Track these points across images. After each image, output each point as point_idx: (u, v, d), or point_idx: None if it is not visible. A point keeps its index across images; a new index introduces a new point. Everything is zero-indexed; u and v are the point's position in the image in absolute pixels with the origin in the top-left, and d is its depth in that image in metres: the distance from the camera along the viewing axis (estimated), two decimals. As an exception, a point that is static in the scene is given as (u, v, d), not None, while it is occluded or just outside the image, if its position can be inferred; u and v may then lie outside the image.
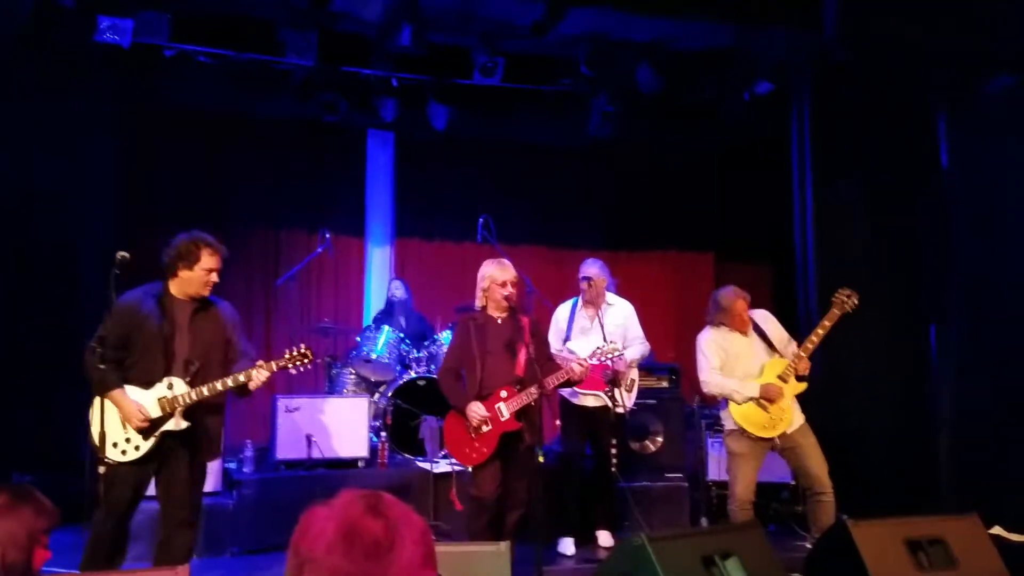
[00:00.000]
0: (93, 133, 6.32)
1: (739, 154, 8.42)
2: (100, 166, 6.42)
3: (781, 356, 4.92)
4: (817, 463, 4.77)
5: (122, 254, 3.77)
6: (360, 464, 5.88)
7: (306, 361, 4.06)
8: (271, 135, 7.78)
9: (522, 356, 4.52)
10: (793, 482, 5.50)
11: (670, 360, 6.79)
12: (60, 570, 4.01)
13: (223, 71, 6.67)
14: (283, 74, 6.77)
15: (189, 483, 3.97)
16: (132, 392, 3.85)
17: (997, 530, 4.87)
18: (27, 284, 5.78)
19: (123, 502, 3.83)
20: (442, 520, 5.52)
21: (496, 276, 4.58)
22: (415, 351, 6.66)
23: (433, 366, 6.35)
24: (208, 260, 3.96)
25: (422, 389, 6.24)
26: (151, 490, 4.02)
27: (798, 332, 5.02)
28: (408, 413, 6.19)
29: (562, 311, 5.56)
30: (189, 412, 3.91)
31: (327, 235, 7.09)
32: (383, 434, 6.08)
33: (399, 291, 7.26)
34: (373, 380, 6.67)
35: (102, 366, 3.71)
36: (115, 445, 3.82)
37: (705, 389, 5.01)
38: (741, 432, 4.82)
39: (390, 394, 6.30)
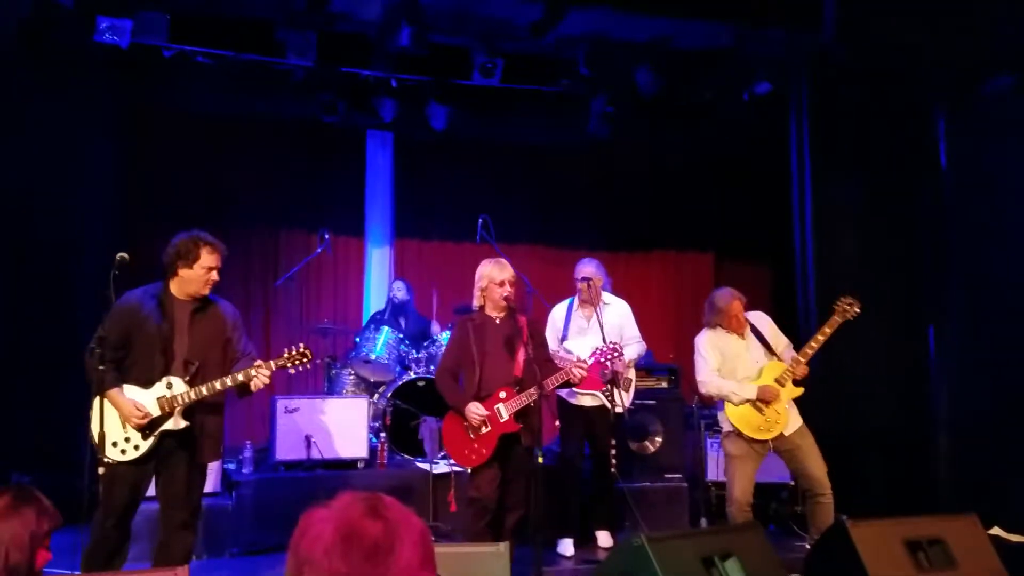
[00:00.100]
0: (93, 133, 6.33)
1: (738, 155, 8.42)
2: (100, 166, 6.43)
3: (778, 358, 4.92)
4: (816, 464, 4.77)
5: (121, 255, 3.78)
6: (359, 465, 5.88)
7: (305, 361, 4.06)
8: (270, 135, 7.79)
9: (521, 356, 4.51)
10: (792, 483, 5.51)
11: (669, 361, 6.78)
12: (60, 571, 4.01)
13: (222, 71, 6.67)
14: (282, 75, 6.77)
15: (188, 483, 3.97)
16: (131, 392, 3.85)
17: (996, 530, 4.88)
18: (27, 284, 5.77)
19: (122, 502, 3.84)
20: (441, 521, 5.52)
21: (494, 276, 4.56)
22: (414, 352, 6.67)
23: (432, 367, 6.35)
24: (208, 258, 3.96)
25: (421, 390, 6.25)
26: (151, 491, 4.02)
27: (797, 331, 5.03)
28: (407, 414, 6.19)
29: (559, 311, 5.56)
30: (188, 412, 3.91)
31: (326, 235, 7.10)
32: (382, 435, 6.08)
33: (401, 292, 7.26)
34: (372, 381, 6.68)
35: (101, 367, 3.72)
36: (115, 444, 3.83)
37: (702, 390, 5.00)
38: (738, 434, 4.83)
39: (389, 395, 6.30)
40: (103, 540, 3.83)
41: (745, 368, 4.90)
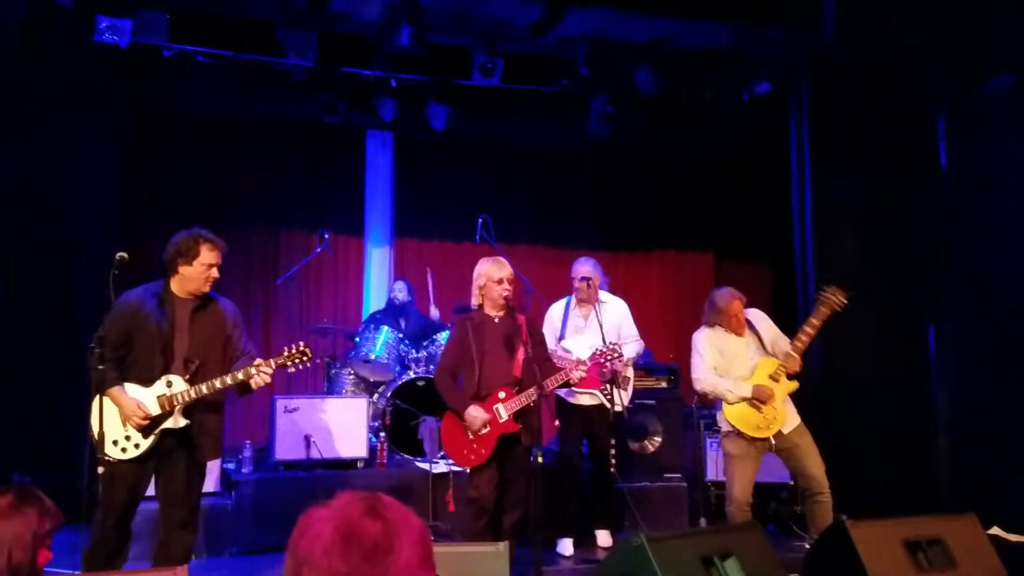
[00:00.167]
0: (93, 133, 6.33)
1: (738, 155, 8.42)
2: (100, 166, 6.43)
3: (773, 356, 4.92)
4: (814, 463, 4.77)
5: (121, 255, 3.78)
6: (359, 465, 5.88)
7: (305, 359, 4.06)
8: (270, 135, 7.79)
9: (520, 356, 4.50)
10: (792, 482, 5.51)
11: (669, 360, 6.79)
12: (60, 570, 4.02)
13: (222, 71, 6.67)
14: (282, 74, 6.77)
15: (187, 482, 3.97)
16: (132, 390, 3.85)
17: (995, 530, 4.87)
18: (27, 284, 5.77)
19: (122, 501, 3.84)
20: (441, 521, 5.52)
21: (492, 274, 4.55)
22: (414, 351, 6.67)
23: (432, 366, 6.35)
24: (207, 255, 3.96)
25: (421, 389, 6.25)
26: (151, 490, 4.03)
27: (797, 331, 5.01)
28: (407, 413, 6.19)
29: (556, 310, 5.56)
30: (188, 410, 3.92)
31: (326, 235, 7.10)
32: (382, 434, 6.08)
33: (402, 293, 7.24)
34: (372, 380, 6.68)
35: (101, 366, 3.72)
36: (115, 443, 3.83)
37: (697, 387, 4.99)
38: (737, 434, 4.82)
39: (389, 394, 6.30)
40: (103, 540, 3.83)
41: (742, 367, 4.90)
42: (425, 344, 6.74)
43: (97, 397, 3.76)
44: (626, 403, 5.41)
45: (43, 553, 2.43)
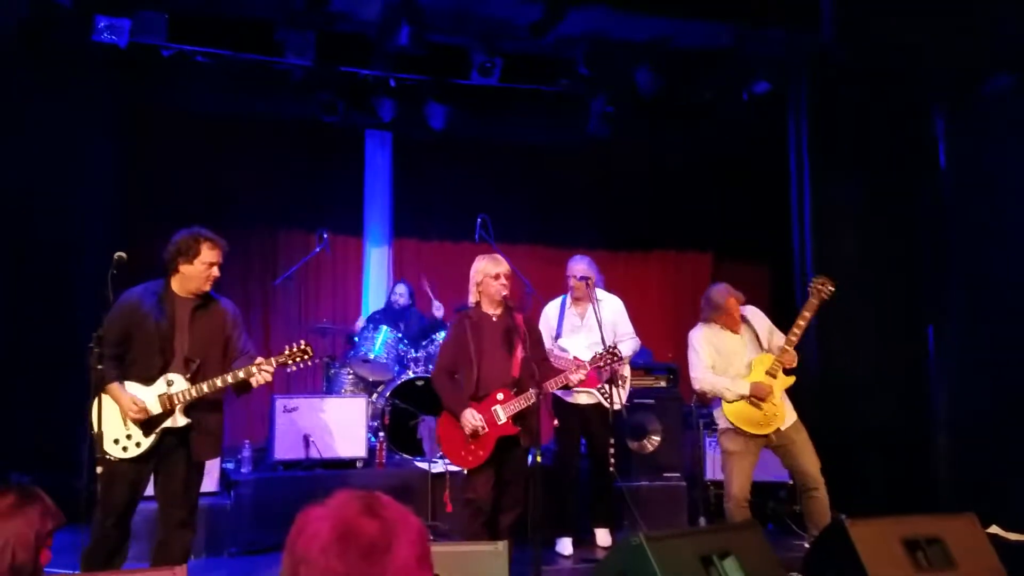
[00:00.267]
0: (93, 133, 6.32)
1: (738, 155, 8.41)
2: (99, 166, 6.42)
3: (768, 352, 4.92)
4: (810, 459, 4.78)
5: (119, 254, 3.78)
6: (358, 464, 5.88)
7: (306, 358, 4.06)
8: (269, 135, 7.78)
9: (518, 355, 4.50)
10: (791, 482, 5.51)
11: (668, 360, 6.79)
12: (60, 570, 4.02)
13: (221, 71, 6.67)
14: (281, 74, 6.77)
15: (186, 482, 3.97)
16: (133, 388, 3.86)
17: (995, 529, 4.87)
18: (27, 284, 5.77)
19: (122, 501, 3.84)
20: (440, 520, 5.52)
21: (489, 270, 4.55)
22: (413, 351, 6.67)
23: (431, 366, 6.34)
24: (208, 254, 3.96)
25: (420, 389, 6.24)
26: (150, 490, 4.02)
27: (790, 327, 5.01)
28: (406, 413, 6.19)
29: (551, 309, 5.55)
30: (188, 409, 3.92)
31: (325, 235, 7.10)
32: (381, 434, 6.08)
33: (403, 298, 7.21)
34: (371, 380, 6.67)
35: (100, 365, 3.72)
36: (116, 441, 3.83)
37: (696, 386, 5.00)
38: (735, 431, 4.83)
39: (388, 394, 6.30)
40: (103, 539, 3.83)
41: (739, 364, 4.91)
42: (424, 344, 6.73)
43: (96, 396, 3.76)
44: (623, 401, 5.41)
45: (45, 553, 2.43)
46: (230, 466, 5.76)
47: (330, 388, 6.76)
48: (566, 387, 4.62)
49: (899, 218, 6.41)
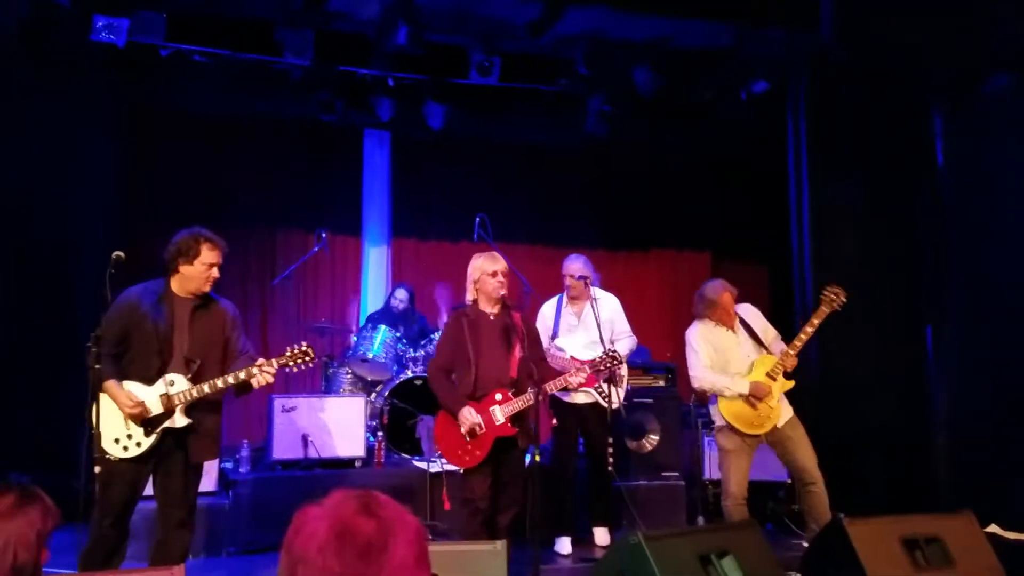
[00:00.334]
0: (93, 133, 6.33)
1: (737, 155, 8.41)
2: (99, 166, 6.42)
3: (768, 350, 4.93)
4: (806, 455, 4.79)
5: (117, 253, 3.78)
6: (357, 464, 5.87)
7: (307, 359, 4.07)
8: (268, 135, 7.78)
9: (516, 354, 4.49)
10: (789, 481, 5.51)
11: (667, 359, 6.78)
12: (59, 570, 4.01)
13: (220, 71, 6.67)
14: (280, 74, 6.77)
15: (185, 482, 3.97)
16: (133, 388, 3.86)
17: (993, 528, 4.88)
18: (27, 284, 5.77)
19: (121, 500, 3.84)
20: (439, 519, 5.52)
21: (486, 267, 4.55)
22: (412, 350, 6.66)
23: (430, 365, 6.34)
24: (208, 254, 3.96)
25: (419, 388, 6.24)
26: (148, 490, 4.02)
27: (795, 332, 5.01)
28: (405, 412, 6.19)
29: (548, 308, 5.55)
30: (188, 410, 3.92)
31: (323, 234, 7.09)
32: (380, 434, 6.08)
33: (402, 303, 7.18)
34: (370, 380, 6.67)
35: (97, 365, 3.72)
36: (117, 441, 3.83)
37: (695, 385, 5.01)
38: (731, 428, 4.84)
39: (387, 394, 6.30)
40: (101, 539, 3.82)
41: (737, 362, 4.91)
42: (423, 343, 6.73)
43: (94, 396, 3.76)
44: (621, 400, 5.41)
45: (44, 553, 2.43)
46: (228, 466, 5.76)
47: (328, 388, 6.76)
48: (565, 388, 4.62)
49: (899, 218, 6.41)
